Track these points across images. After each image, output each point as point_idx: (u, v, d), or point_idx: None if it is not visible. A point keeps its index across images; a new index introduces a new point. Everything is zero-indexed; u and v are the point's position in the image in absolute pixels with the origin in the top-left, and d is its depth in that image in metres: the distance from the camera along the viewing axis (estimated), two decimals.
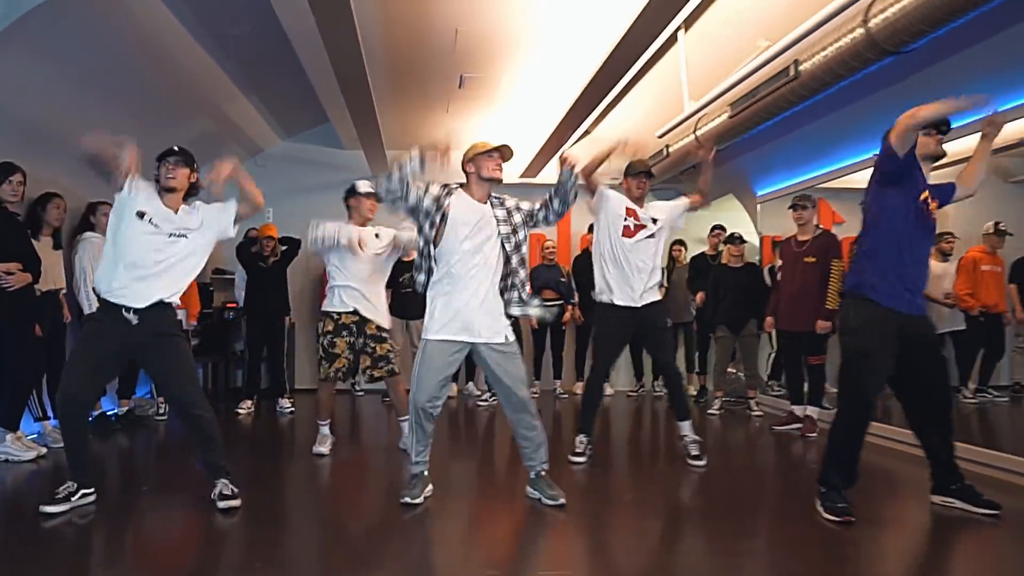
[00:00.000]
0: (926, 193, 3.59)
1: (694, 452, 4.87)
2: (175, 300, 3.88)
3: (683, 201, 5.11)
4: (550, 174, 8.83)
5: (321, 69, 5.70)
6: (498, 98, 7.41)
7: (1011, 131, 4.44)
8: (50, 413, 5.43)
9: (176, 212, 3.85)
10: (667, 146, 7.71)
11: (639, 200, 4.96)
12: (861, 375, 3.58)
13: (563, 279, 8.36)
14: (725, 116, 6.22)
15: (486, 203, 3.92)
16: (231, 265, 8.46)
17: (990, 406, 6.46)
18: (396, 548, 3.35)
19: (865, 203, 3.75)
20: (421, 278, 3.91)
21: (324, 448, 5.21)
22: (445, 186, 3.91)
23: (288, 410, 7.30)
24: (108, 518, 3.75)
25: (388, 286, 7.87)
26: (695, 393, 8.27)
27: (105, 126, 5.87)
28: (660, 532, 3.81)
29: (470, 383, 8.76)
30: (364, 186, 5.24)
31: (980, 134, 3.74)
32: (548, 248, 8.51)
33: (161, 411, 6.85)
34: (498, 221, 3.89)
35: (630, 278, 4.80)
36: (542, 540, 3.65)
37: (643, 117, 7.43)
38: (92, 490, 3.84)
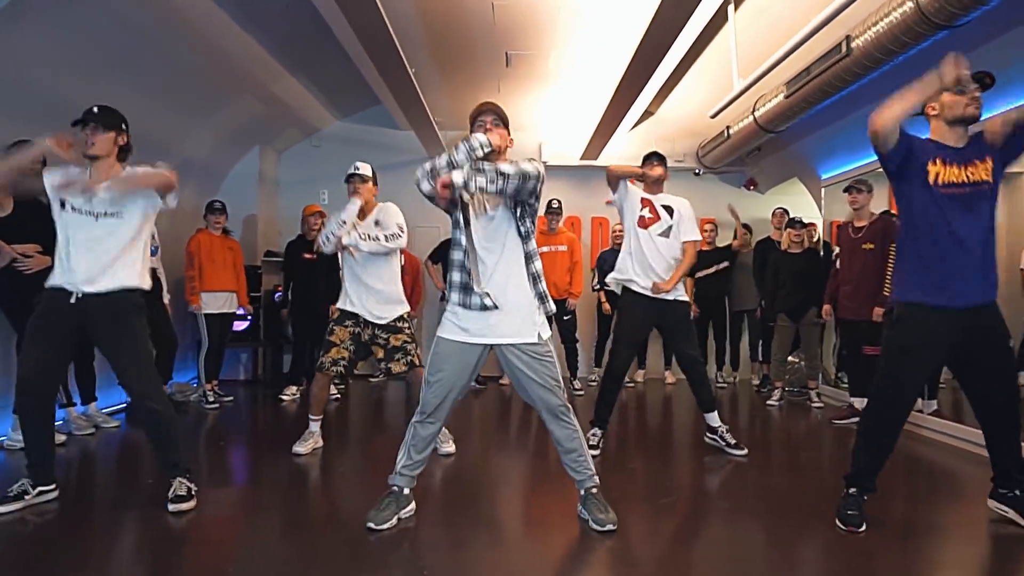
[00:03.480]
0: (938, 166, 3.36)
1: (731, 441, 5.00)
2: (135, 283, 3.76)
3: (695, 225, 5.18)
4: (611, 156, 8.94)
5: (359, 55, 5.88)
6: (549, 76, 7.52)
7: None
8: (76, 400, 5.66)
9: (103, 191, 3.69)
10: (728, 127, 7.78)
11: (656, 186, 5.10)
12: (898, 372, 3.46)
13: None
14: (781, 96, 6.27)
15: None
16: (282, 246, 8.74)
17: None
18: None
19: None
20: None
21: (303, 448, 4.95)
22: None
23: (334, 396, 7.37)
24: (130, 504, 3.79)
25: (435, 261, 8.12)
26: (757, 383, 8.33)
27: (136, 105, 6.12)
28: (693, 529, 3.74)
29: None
30: (352, 168, 5.00)
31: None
32: (616, 231, 8.43)
33: (210, 398, 6.91)
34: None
35: (649, 273, 4.96)
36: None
37: (703, 98, 7.49)
38: (53, 486, 3.78)
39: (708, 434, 5.18)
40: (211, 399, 6.90)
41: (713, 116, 6.71)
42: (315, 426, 5.06)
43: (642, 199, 5.04)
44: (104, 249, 3.69)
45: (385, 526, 3.34)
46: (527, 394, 3.44)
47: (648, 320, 5.08)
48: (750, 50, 5.70)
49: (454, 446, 4.99)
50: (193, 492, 3.72)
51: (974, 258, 3.31)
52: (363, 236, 4.70)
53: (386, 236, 4.74)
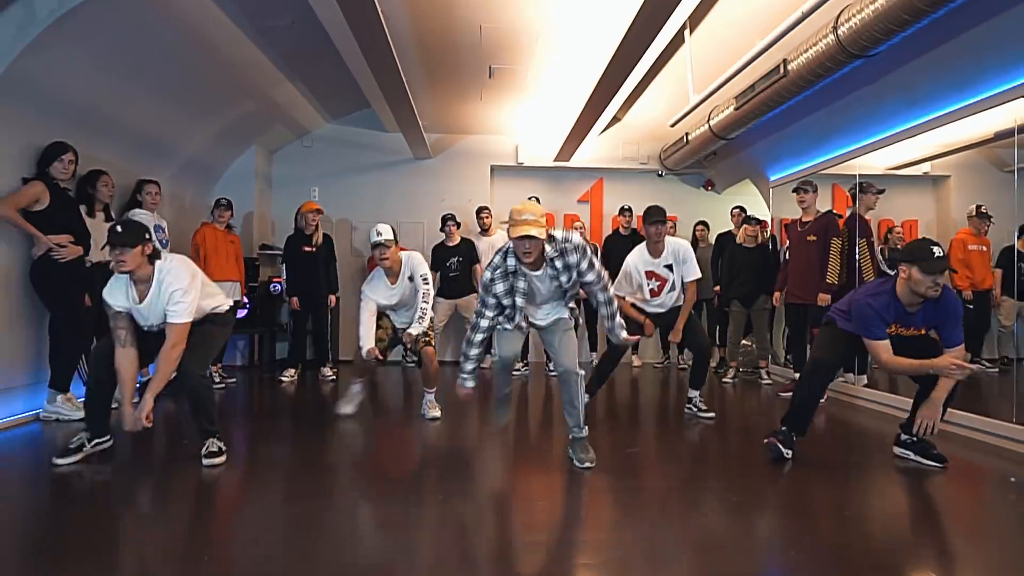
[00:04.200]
0: (893, 328, 4.25)
1: (703, 407, 5.85)
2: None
3: (691, 265, 5.75)
4: (581, 158, 9.76)
5: (356, 60, 6.31)
6: (527, 87, 8.15)
7: (1003, 120, 5.20)
8: None
9: (144, 301, 4.11)
10: (687, 134, 8.62)
11: (657, 245, 5.68)
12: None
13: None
14: (732, 108, 7.14)
15: (541, 268, 4.09)
16: (278, 240, 9.31)
17: (983, 376, 7.13)
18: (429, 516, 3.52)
19: None
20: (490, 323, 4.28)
21: (349, 408, 5.70)
22: (506, 270, 4.11)
23: (330, 378, 7.98)
24: (144, 475, 4.19)
25: (434, 269, 8.64)
26: (715, 364, 9.03)
27: (153, 109, 6.84)
28: (664, 478, 4.31)
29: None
30: (375, 235, 5.47)
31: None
32: (578, 228, 9.25)
33: (216, 380, 7.29)
34: (560, 283, 4.14)
35: (650, 307, 5.81)
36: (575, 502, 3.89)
37: (665, 106, 8.23)
38: (107, 437, 4.34)
39: (688, 405, 5.97)
40: (217, 380, 7.31)
41: (672, 125, 7.51)
42: (356, 387, 5.78)
43: (647, 273, 5.69)
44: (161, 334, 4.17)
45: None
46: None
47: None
48: (704, 67, 6.44)
49: (440, 412, 5.74)
50: (223, 450, 4.26)
51: None
52: (421, 313, 5.46)
53: (423, 293, 5.47)
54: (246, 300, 8.12)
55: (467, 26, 6.54)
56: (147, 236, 4.09)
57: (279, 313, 9.06)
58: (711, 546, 3.08)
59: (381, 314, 5.63)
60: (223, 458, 4.21)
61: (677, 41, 6.25)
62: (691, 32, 6.11)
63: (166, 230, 6.86)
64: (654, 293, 5.72)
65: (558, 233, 4.02)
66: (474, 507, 3.68)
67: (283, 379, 7.87)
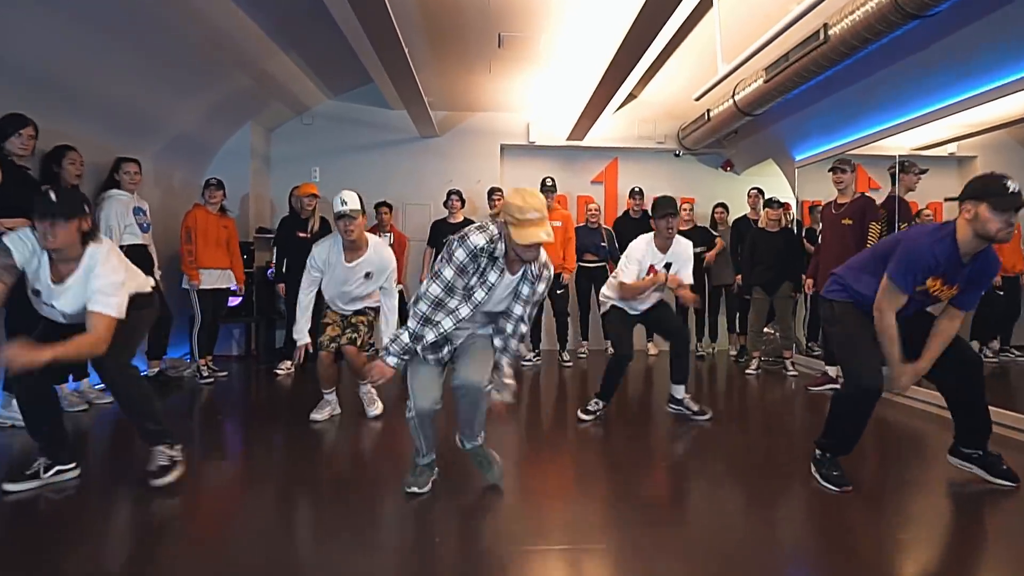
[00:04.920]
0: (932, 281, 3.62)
1: (694, 406, 5.38)
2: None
3: (688, 270, 5.42)
4: (595, 137, 9.42)
5: (354, 30, 6.02)
6: (539, 58, 7.78)
7: None
8: (90, 370, 5.79)
9: (61, 284, 3.57)
10: (708, 110, 8.18)
11: (668, 239, 5.31)
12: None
13: (603, 243, 8.67)
14: (761, 81, 6.67)
15: (518, 273, 3.52)
16: (276, 223, 8.78)
17: (1012, 365, 6.78)
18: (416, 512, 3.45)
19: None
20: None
21: (321, 415, 5.31)
22: (491, 257, 3.40)
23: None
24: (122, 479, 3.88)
25: (431, 245, 8.40)
26: (735, 353, 8.78)
27: (132, 81, 6.29)
28: (681, 489, 4.09)
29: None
30: (339, 204, 4.95)
31: None
32: (592, 210, 8.85)
33: (204, 373, 7.04)
34: (516, 294, 3.56)
35: (635, 302, 5.42)
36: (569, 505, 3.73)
37: (685, 82, 7.85)
38: (72, 465, 3.82)
39: (671, 404, 5.53)
40: (205, 374, 7.04)
41: (697, 99, 7.05)
42: (329, 396, 5.39)
43: (651, 266, 5.34)
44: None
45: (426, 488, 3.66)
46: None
47: (630, 321, 5.48)
48: (731, 36, 5.99)
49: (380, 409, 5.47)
50: (175, 460, 3.76)
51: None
52: (386, 317, 5.15)
53: (382, 288, 5.15)
54: (239, 288, 7.76)
55: None
56: (86, 209, 3.57)
57: (277, 300, 8.69)
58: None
59: (329, 308, 5.31)
60: (176, 473, 3.72)
61: (704, 6, 5.87)
62: None
63: (147, 212, 6.43)
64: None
65: None
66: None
67: (279, 372, 7.55)
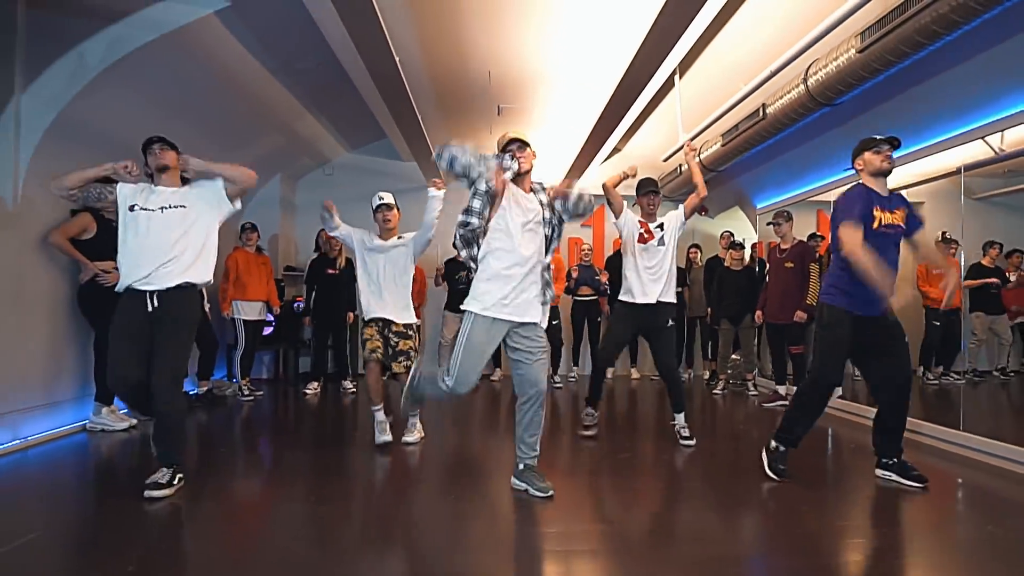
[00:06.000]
0: (877, 212, 4.28)
1: (685, 435, 5.68)
2: (197, 280, 4.16)
3: (681, 208, 5.75)
4: (584, 185, 9.93)
5: (373, 98, 6.92)
6: (533, 122, 8.81)
7: (970, 153, 5.73)
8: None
9: (170, 190, 4.18)
10: (680, 165, 9.39)
11: (651, 215, 5.74)
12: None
13: (597, 276, 9.52)
14: (719, 144, 7.91)
15: (529, 192, 4.16)
16: (300, 262, 10.01)
17: (952, 387, 7.81)
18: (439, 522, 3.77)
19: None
20: (470, 252, 4.14)
21: (386, 435, 5.41)
22: (500, 160, 4.08)
23: (351, 390, 8.63)
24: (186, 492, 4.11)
25: (445, 280, 9.37)
26: (707, 376, 9.85)
27: (189, 145, 6.90)
28: (656, 489, 4.58)
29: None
30: (377, 200, 5.72)
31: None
32: (584, 250, 9.93)
33: (245, 392, 7.93)
34: (542, 205, 4.16)
35: (645, 283, 5.62)
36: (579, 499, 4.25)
37: (658, 141, 8.97)
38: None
39: (673, 422, 5.84)
40: (246, 393, 7.94)
41: (665, 160, 8.23)
42: (380, 414, 5.48)
43: (639, 222, 5.70)
44: (169, 242, 4.05)
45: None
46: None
47: (633, 324, 5.74)
48: (694, 106, 7.16)
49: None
50: (175, 483, 4.03)
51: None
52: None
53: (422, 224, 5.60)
54: (272, 318, 8.62)
55: (477, 72, 7.18)
56: (180, 152, 4.35)
57: (302, 331, 9.69)
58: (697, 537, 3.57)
59: (367, 326, 5.53)
60: (168, 491, 4.00)
61: (669, 84, 6.90)
62: (681, 77, 6.80)
63: None
64: (641, 239, 5.67)
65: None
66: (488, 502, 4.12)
67: (307, 391, 8.42)
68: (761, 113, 6.61)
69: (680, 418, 5.72)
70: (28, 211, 5.42)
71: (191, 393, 7.46)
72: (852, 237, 4.14)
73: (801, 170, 7.93)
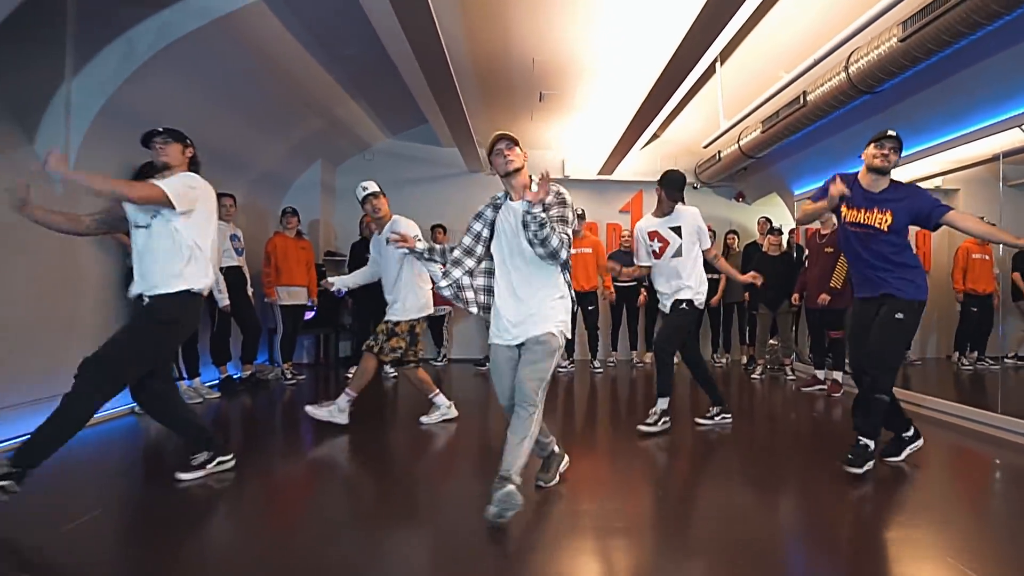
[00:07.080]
0: (844, 208, 4.53)
1: (651, 420, 5.59)
2: (161, 289, 3.83)
3: (698, 215, 5.60)
4: (623, 172, 10.63)
5: (418, 83, 6.98)
6: (574, 108, 9.00)
7: (1008, 140, 5.82)
8: (184, 374, 6.82)
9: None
10: (719, 152, 9.49)
11: (660, 207, 5.64)
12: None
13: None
14: (759, 131, 8.02)
15: (520, 200, 3.79)
16: (341, 246, 10.26)
17: (986, 373, 7.89)
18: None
19: None
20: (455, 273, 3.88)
21: (450, 411, 5.90)
22: (493, 203, 3.99)
23: (392, 375, 8.62)
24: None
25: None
26: (745, 361, 9.99)
27: (234, 130, 7.42)
28: (691, 471, 4.74)
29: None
30: (362, 190, 5.62)
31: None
32: (624, 236, 10.02)
33: (288, 377, 8.17)
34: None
35: (674, 288, 5.60)
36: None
37: (697, 128, 9.14)
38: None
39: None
40: (289, 376, 8.18)
41: (705, 146, 8.35)
42: (437, 399, 5.90)
43: (649, 233, 5.63)
44: (150, 257, 3.85)
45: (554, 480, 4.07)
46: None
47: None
48: (734, 94, 7.30)
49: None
50: (208, 466, 4.16)
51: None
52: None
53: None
54: (312, 303, 8.74)
55: (521, 58, 7.35)
56: (188, 142, 4.09)
57: (342, 315, 9.92)
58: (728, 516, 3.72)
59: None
60: (200, 474, 4.14)
61: (710, 71, 7.04)
62: (722, 64, 6.94)
63: (241, 239, 7.56)
64: (656, 255, 5.62)
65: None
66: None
67: (348, 376, 8.23)
68: (802, 100, 6.71)
69: (662, 402, 5.64)
70: (77, 196, 5.36)
71: (235, 377, 7.65)
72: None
73: (838, 157, 7.97)
